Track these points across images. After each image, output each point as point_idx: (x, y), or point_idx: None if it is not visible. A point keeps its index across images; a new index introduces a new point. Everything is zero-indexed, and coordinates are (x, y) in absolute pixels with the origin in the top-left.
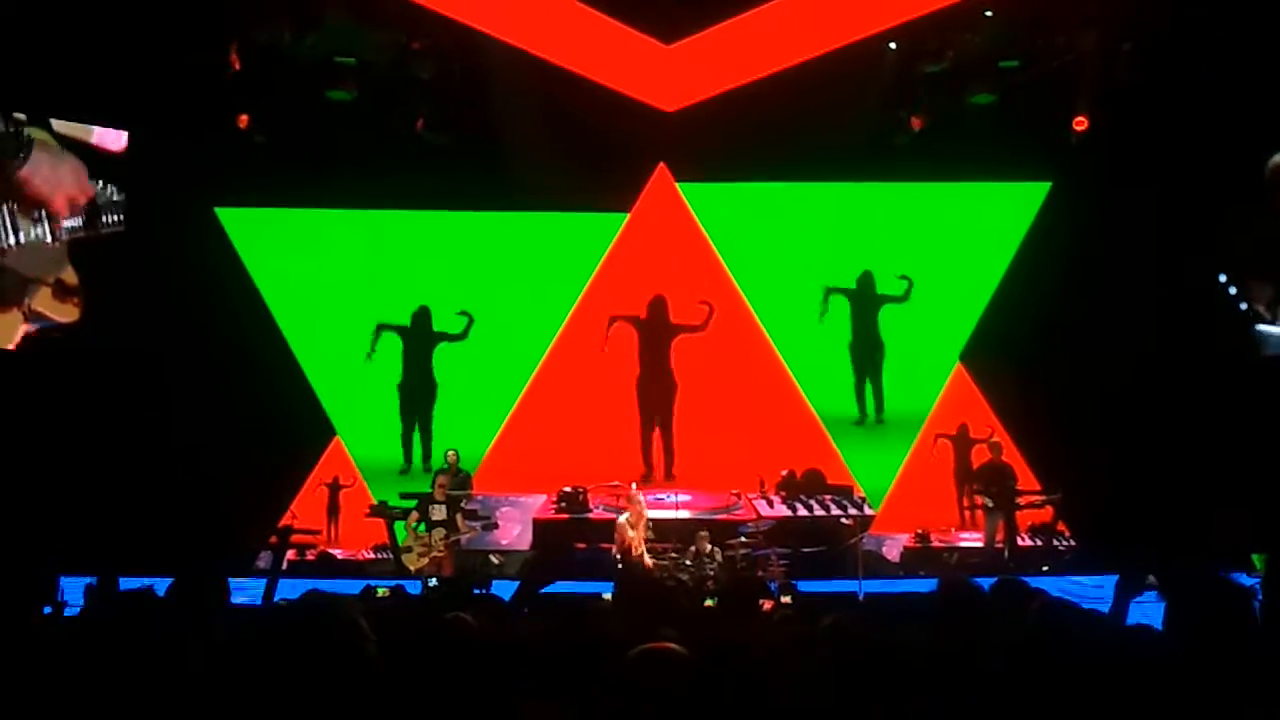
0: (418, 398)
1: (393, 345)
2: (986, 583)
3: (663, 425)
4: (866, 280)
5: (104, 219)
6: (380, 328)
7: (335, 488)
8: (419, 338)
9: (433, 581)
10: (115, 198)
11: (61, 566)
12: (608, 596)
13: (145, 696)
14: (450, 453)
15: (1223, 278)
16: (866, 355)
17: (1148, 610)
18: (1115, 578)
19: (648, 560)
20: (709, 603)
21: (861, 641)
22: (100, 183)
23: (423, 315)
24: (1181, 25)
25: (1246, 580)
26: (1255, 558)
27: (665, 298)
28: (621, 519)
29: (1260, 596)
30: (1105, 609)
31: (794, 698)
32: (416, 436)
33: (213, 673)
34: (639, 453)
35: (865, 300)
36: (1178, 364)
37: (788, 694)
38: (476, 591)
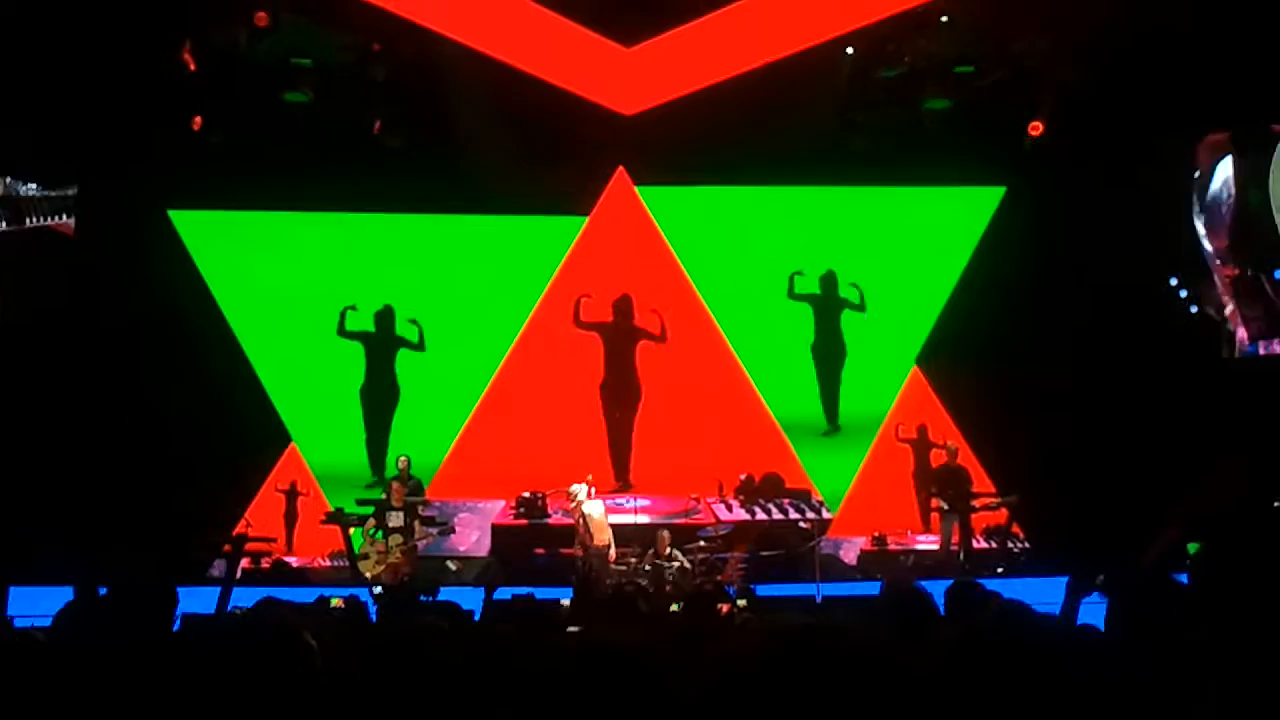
0: (381, 403)
1: (352, 350)
2: (942, 585)
3: (625, 431)
4: (830, 281)
5: (30, 218)
6: (346, 334)
7: (292, 494)
8: (382, 341)
9: (377, 589)
10: (36, 194)
11: (10, 576)
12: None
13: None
14: (401, 459)
15: (1174, 281)
16: (829, 359)
17: (1098, 611)
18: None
19: (611, 552)
20: (674, 608)
21: (808, 639)
22: (15, 181)
23: (386, 315)
24: (1135, 31)
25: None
26: (1191, 547)
27: (631, 298)
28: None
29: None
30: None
31: (743, 696)
32: (382, 441)
33: (162, 684)
34: (602, 458)
35: (829, 303)
36: (1131, 367)
37: (736, 693)
38: (424, 599)
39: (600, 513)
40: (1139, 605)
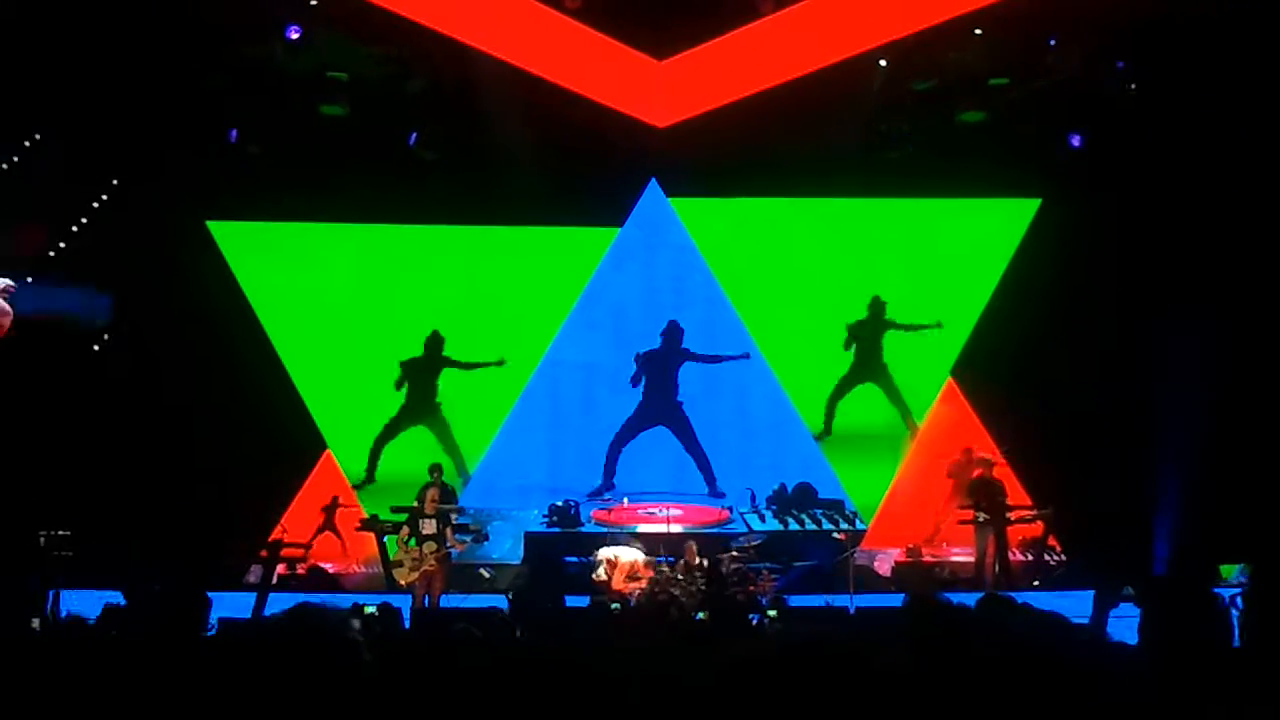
0: (416, 420)
1: (386, 360)
2: (975, 598)
3: (694, 445)
4: (877, 307)
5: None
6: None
7: (332, 508)
8: (429, 365)
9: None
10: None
11: (53, 580)
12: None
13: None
14: (435, 466)
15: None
16: (871, 377)
17: (1127, 622)
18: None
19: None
20: (701, 616)
21: (827, 657)
22: None
23: (435, 342)
24: (1171, 44)
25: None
26: (1224, 569)
27: (678, 324)
28: (615, 556)
29: (1240, 605)
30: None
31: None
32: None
33: (203, 686)
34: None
35: (876, 325)
36: (1166, 378)
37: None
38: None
39: (629, 559)
40: (1173, 617)
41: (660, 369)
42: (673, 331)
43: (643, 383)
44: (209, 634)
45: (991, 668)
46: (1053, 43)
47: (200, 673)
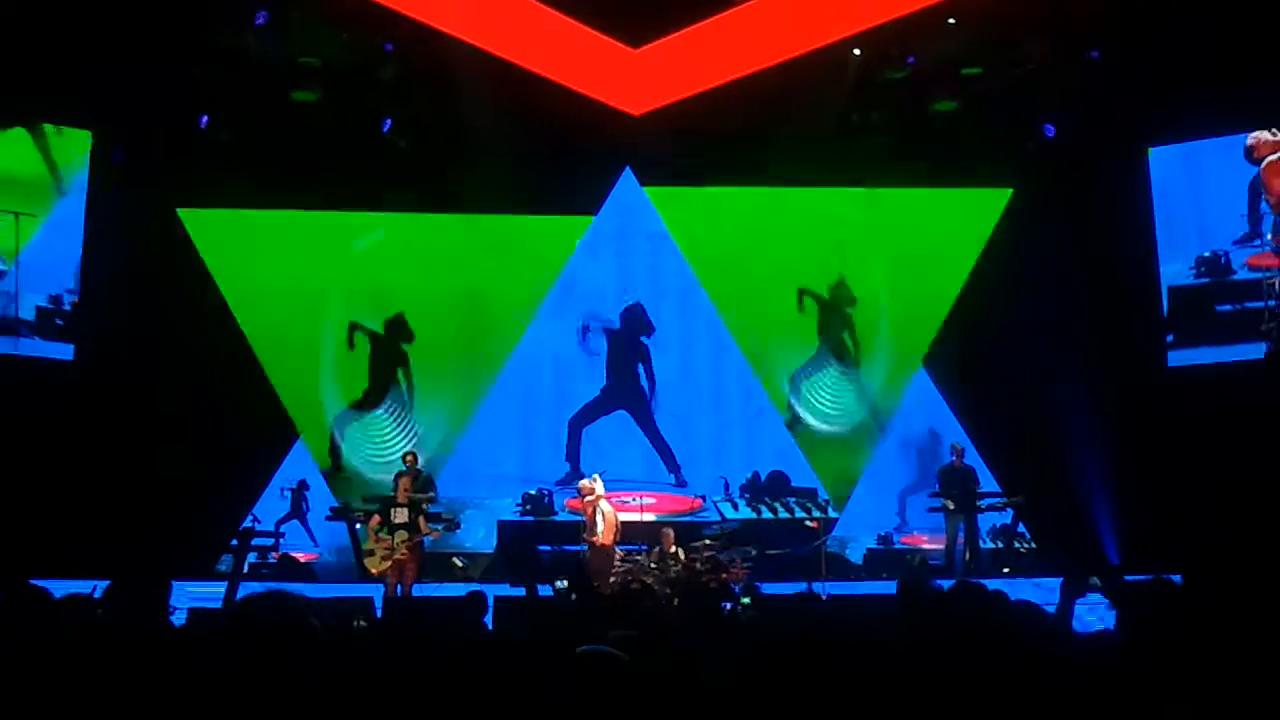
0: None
1: (361, 354)
2: (946, 585)
3: (652, 430)
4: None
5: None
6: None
7: (299, 491)
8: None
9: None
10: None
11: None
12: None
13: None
14: (408, 454)
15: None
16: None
17: (1096, 611)
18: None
19: (616, 552)
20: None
21: (809, 640)
22: None
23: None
24: (1144, 34)
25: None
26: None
27: (642, 309)
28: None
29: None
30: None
31: (735, 696)
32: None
33: (166, 675)
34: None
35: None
36: (1138, 369)
37: (728, 691)
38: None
39: (611, 512)
40: (1149, 611)
41: (620, 352)
42: (636, 315)
43: (604, 365)
44: (173, 621)
45: (977, 648)
46: (1026, 32)
47: (165, 661)
